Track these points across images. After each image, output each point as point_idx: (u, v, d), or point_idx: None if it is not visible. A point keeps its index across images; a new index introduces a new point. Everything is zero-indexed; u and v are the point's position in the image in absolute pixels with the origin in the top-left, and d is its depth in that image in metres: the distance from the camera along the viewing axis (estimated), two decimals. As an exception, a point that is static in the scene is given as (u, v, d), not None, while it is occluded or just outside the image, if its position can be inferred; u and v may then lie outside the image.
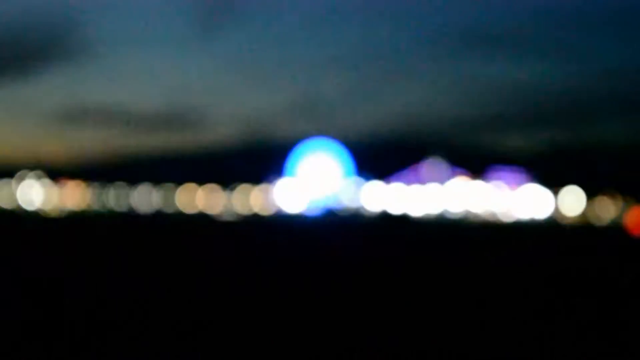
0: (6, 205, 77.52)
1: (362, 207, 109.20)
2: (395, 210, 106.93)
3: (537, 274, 17.26)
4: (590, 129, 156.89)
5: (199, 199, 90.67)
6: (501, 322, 9.65)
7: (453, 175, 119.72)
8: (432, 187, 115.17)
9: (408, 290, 13.56)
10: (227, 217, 76.23)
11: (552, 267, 19.68)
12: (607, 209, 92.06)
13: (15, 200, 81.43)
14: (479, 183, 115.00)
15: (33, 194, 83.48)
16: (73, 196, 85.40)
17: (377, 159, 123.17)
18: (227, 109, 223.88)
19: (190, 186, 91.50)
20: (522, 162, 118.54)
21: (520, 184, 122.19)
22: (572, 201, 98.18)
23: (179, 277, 14.96)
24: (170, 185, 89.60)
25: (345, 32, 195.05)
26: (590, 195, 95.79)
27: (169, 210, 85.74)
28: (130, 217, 66.83)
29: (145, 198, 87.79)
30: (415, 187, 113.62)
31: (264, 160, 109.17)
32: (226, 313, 10.03)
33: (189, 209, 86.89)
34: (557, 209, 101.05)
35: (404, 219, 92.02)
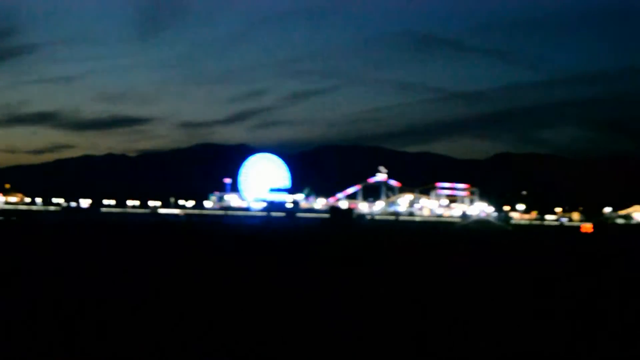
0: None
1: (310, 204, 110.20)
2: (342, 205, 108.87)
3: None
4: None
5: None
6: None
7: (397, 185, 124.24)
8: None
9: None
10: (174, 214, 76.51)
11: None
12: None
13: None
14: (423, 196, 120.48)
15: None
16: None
17: (317, 164, 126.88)
18: (169, 113, 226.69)
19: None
20: (469, 171, 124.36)
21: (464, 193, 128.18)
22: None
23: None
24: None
25: (290, 36, 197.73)
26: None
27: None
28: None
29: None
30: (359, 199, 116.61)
31: (207, 163, 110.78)
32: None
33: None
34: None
35: (349, 211, 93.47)
